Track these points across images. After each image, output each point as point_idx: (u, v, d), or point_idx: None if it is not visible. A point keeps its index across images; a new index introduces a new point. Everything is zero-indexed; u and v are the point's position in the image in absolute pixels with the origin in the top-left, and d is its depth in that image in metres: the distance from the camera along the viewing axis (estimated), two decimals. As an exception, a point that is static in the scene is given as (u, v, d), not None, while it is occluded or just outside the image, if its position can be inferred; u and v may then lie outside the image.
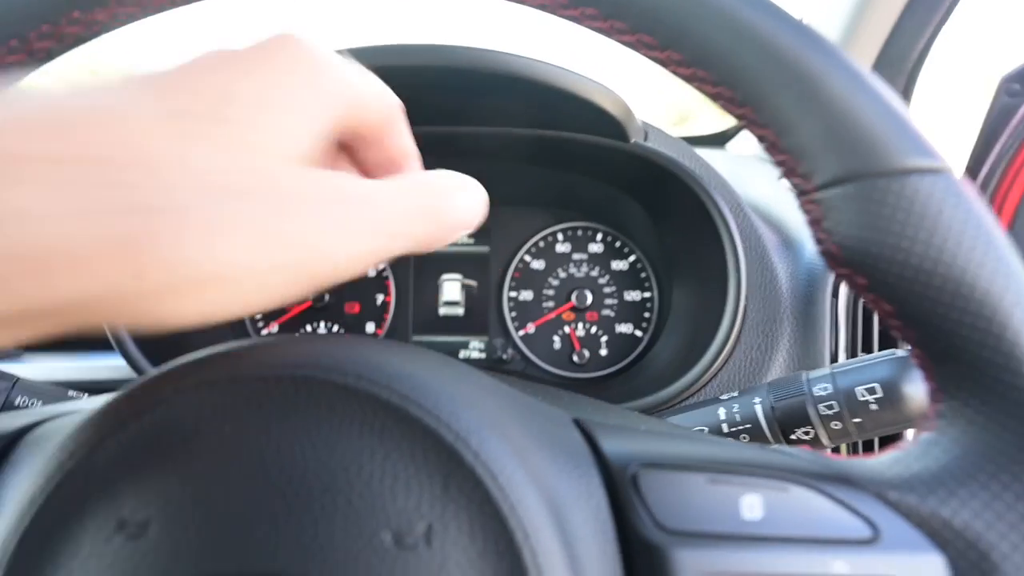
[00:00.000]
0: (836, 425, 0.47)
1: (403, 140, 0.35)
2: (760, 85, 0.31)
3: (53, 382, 0.75)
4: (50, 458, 0.27)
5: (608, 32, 0.33)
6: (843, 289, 0.68)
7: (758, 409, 0.50)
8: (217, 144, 0.22)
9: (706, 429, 0.51)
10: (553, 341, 0.91)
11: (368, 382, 0.29)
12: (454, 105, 0.68)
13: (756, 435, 0.50)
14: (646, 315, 0.91)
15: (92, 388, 0.77)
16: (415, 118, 0.70)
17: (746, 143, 1.43)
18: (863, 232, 0.30)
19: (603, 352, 0.90)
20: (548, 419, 0.35)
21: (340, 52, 0.31)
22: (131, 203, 0.20)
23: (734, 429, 0.50)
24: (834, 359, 0.67)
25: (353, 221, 0.26)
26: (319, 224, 0.24)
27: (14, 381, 0.49)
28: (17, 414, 0.35)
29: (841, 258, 0.31)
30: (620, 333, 0.91)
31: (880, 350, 0.68)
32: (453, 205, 0.33)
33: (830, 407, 0.47)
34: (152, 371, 0.30)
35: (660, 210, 0.81)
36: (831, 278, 0.68)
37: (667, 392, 0.67)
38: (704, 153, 0.76)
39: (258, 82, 0.24)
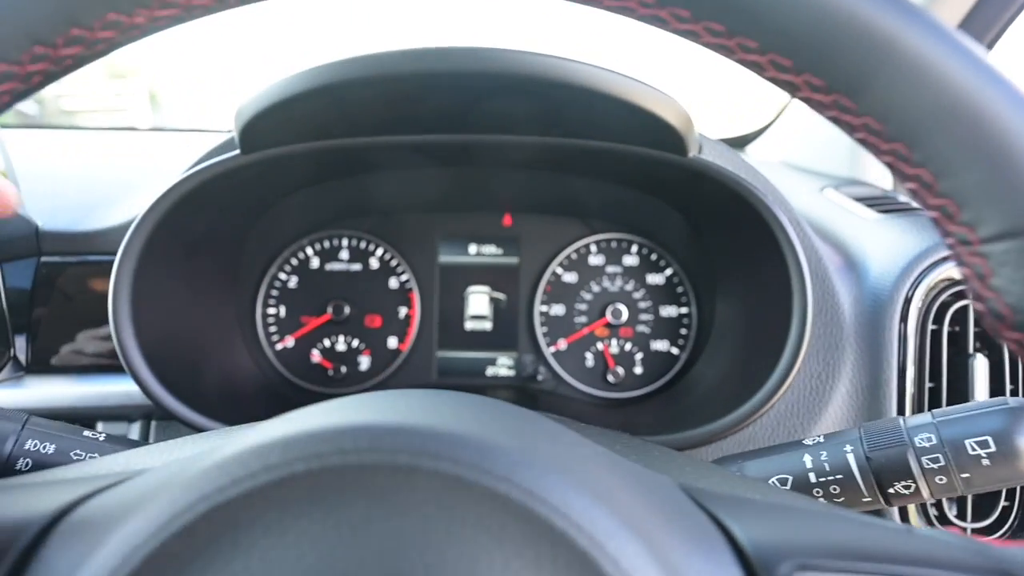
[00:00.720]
0: (941, 479, 0.43)
1: None
2: (918, 119, 0.26)
3: (61, 409, 0.70)
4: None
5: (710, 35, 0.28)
6: (912, 314, 0.63)
7: (851, 458, 0.45)
8: None
9: (790, 478, 0.47)
10: (586, 358, 0.87)
11: (484, 473, 0.24)
12: (490, 111, 0.63)
13: (848, 487, 0.45)
14: (683, 332, 0.86)
15: (103, 415, 0.72)
16: (448, 125, 0.66)
17: (768, 148, 1.39)
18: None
19: (638, 370, 0.86)
20: (666, 496, 0.30)
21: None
22: None
23: (823, 479, 0.46)
24: (901, 391, 0.63)
25: None
26: None
27: (24, 421, 0.44)
28: (41, 489, 0.29)
29: (1012, 321, 0.27)
30: (656, 351, 0.86)
31: (949, 379, 0.65)
32: None
33: (935, 460, 0.43)
34: (219, 448, 0.25)
35: (708, 223, 0.77)
36: (899, 302, 0.64)
37: (722, 423, 0.63)
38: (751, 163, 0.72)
39: None
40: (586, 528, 0.24)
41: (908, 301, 0.63)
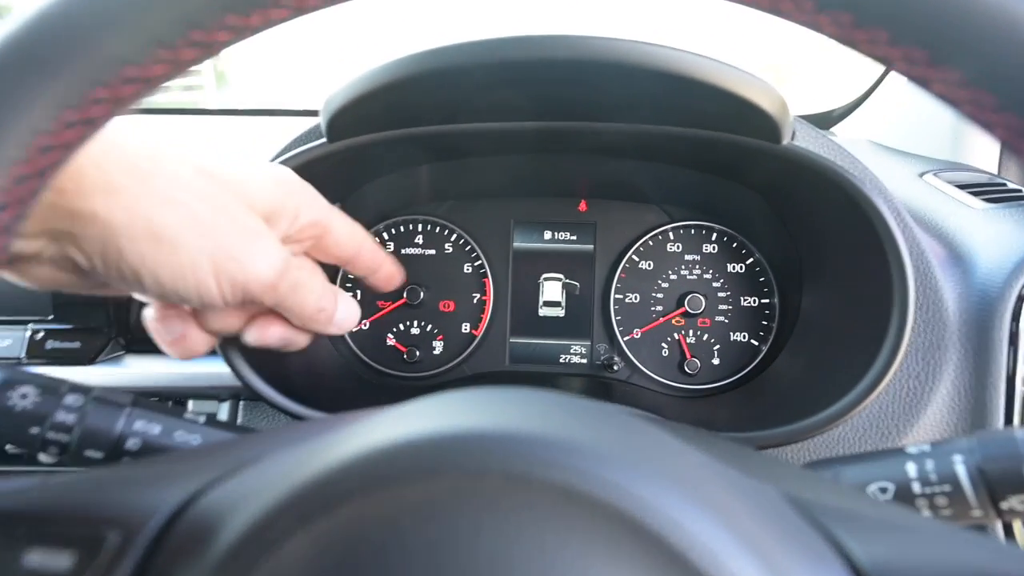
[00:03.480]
0: (1063, 497, 0.40)
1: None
2: None
3: (157, 387, 0.74)
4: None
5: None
6: (1025, 314, 0.59)
7: (960, 469, 0.43)
8: None
9: (892, 487, 0.44)
10: (662, 348, 0.85)
11: (596, 482, 0.24)
12: (581, 100, 0.61)
13: (957, 499, 0.43)
14: (764, 323, 0.83)
15: (194, 395, 0.75)
16: (537, 113, 0.65)
17: (856, 127, 1.32)
18: None
19: (715, 362, 0.84)
20: (776, 510, 0.29)
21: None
22: None
23: (928, 490, 0.43)
24: (1010, 396, 0.59)
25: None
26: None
27: (132, 401, 0.46)
28: (156, 484, 0.31)
29: None
30: (735, 342, 0.84)
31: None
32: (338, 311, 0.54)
33: (1057, 476, 0.40)
34: (333, 456, 0.26)
35: (796, 211, 0.73)
36: (1011, 300, 0.59)
37: (809, 423, 0.60)
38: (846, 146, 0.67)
39: None
40: (704, 545, 0.23)
41: (1021, 299, 0.59)
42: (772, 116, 0.55)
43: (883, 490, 0.45)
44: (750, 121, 0.57)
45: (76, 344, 0.72)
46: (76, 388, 0.44)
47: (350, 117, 0.61)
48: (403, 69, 0.55)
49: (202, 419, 0.49)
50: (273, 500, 0.25)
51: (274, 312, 0.51)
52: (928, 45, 0.25)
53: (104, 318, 0.74)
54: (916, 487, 0.44)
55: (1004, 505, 0.42)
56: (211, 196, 0.45)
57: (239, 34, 0.28)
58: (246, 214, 0.47)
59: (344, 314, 0.54)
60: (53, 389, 0.43)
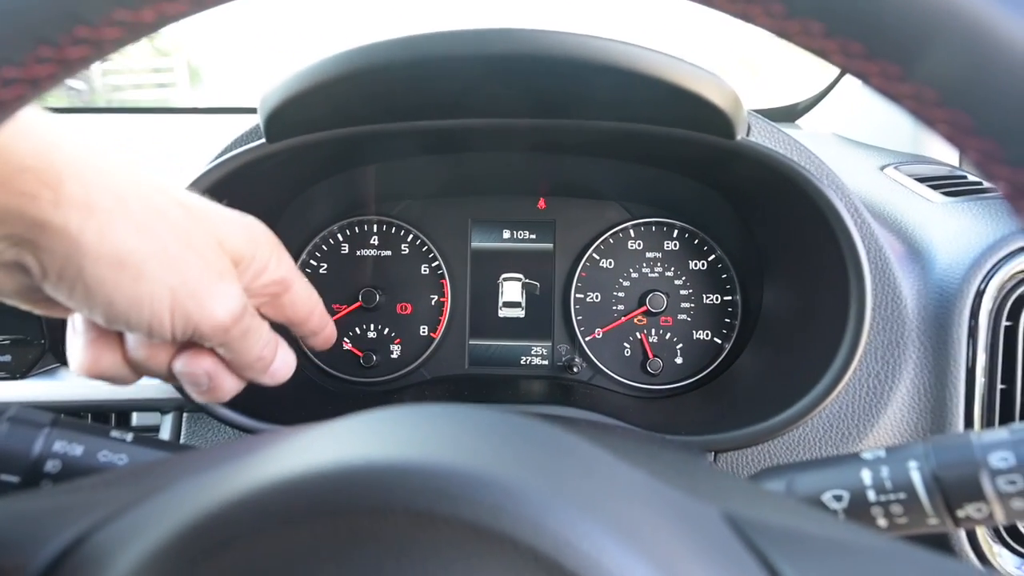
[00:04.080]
0: (1018, 504, 0.39)
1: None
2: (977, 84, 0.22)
3: (95, 401, 0.70)
4: None
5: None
6: (984, 309, 0.58)
7: (916, 476, 0.41)
8: None
9: (847, 495, 0.43)
10: (624, 348, 0.83)
11: (511, 519, 0.21)
12: (531, 96, 0.59)
13: (913, 508, 0.41)
14: (727, 320, 0.82)
15: (137, 407, 0.72)
16: (481, 109, 0.62)
17: (821, 119, 1.31)
18: None
19: (678, 360, 0.82)
20: (713, 536, 0.27)
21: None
22: None
23: (884, 497, 0.42)
24: (970, 394, 0.58)
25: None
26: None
27: (53, 421, 0.43)
28: (46, 521, 0.28)
29: None
30: (698, 340, 0.82)
31: (1024, 381, 0.59)
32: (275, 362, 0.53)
33: (1012, 482, 0.39)
34: (228, 489, 0.23)
35: (756, 208, 0.72)
36: (969, 296, 0.58)
37: (769, 425, 0.59)
38: (798, 137, 0.66)
39: None
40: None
41: (980, 295, 0.58)
42: (723, 111, 0.53)
43: (838, 498, 0.43)
44: (703, 117, 0.55)
45: (7, 357, 0.68)
46: None
47: (288, 116, 0.58)
48: (339, 65, 0.52)
49: (129, 437, 0.46)
50: (160, 541, 0.22)
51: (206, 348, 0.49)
52: (864, 38, 0.23)
53: (37, 329, 0.70)
54: (871, 495, 0.42)
55: (960, 513, 0.41)
56: (185, 230, 0.44)
57: (132, 31, 0.25)
58: (216, 254, 0.46)
59: (280, 364, 0.53)
60: None
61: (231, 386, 0.52)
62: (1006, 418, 0.57)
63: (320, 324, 0.59)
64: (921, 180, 0.75)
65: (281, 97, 0.56)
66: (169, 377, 0.50)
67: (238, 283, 0.47)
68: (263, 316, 0.53)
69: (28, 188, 0.37)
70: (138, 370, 0.49)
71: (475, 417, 0.28)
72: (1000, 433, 0.40)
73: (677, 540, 0.25)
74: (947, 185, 0.73)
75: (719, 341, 0.82)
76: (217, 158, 0.63)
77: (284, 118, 0.58)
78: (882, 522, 0.42)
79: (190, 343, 0.48)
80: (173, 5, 0.25)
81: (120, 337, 0.48)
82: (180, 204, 0.44)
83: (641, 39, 0.51)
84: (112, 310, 0.42)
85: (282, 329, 0.54)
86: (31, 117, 0.37)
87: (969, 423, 0.59)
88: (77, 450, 0.44)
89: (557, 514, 0.22)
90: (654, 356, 0.82)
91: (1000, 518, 0.40)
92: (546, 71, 0.51)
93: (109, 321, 0.43)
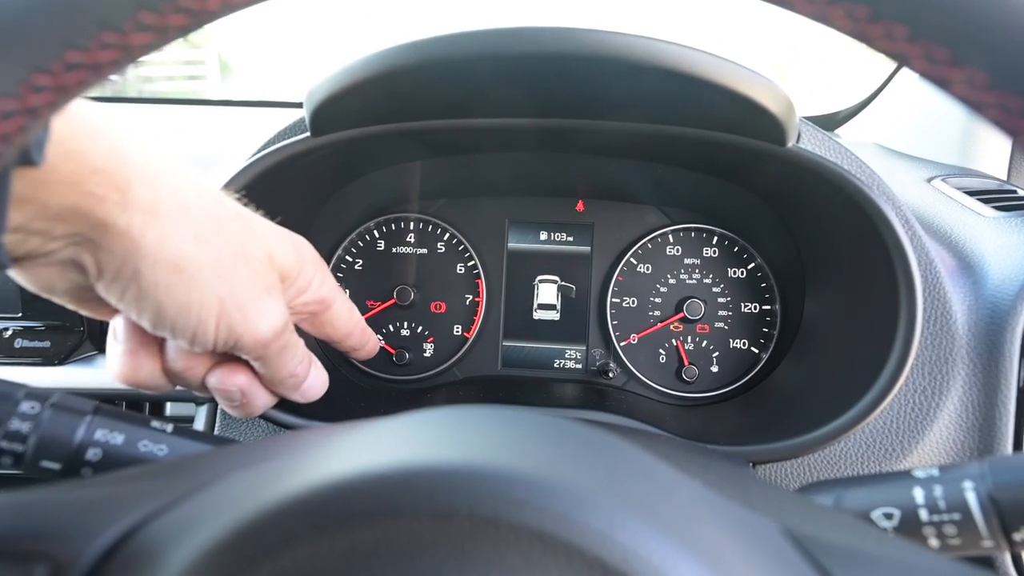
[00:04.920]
0: (1081, 529, 0.38)
1: None
2: None
3: (129, 391, 0.71)
4: None
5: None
6: (1038, 328, 0.56)
7: (971, 497, 0.40)
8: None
9: (898, 513, 0.42)
10: (659, 354, 0.82)
11: (574, 527, 0.21)
12: (575, 94, 0.58)
13: (967, 529, 0.40)
14: (765, 330, 0.81)
15: (171, 397, 0.73)
16: (532, 109, 0.62)
17: (861, 129, 1.29)
18: None
19: (714, 369, 0.81)
20: (775, 549, 0.27)
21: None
22: None
23: (936, 517, 0.41)
24: (1020, 414, 0.56)
25: None
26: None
27: (94, 409, 0.44)
28: (97, 511, 0.28)
29: None
30: (735, 349, 0.81)
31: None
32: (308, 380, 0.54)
33: (1074, 506, 0.37)
34: (285, 488, 0.23)
35: (801, 216, 0.70)
36: (1022, 314, 0.57)
37: (811, 437, 0.58)
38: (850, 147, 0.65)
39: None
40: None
41: (1034, 312, 0.56)
42: (778, 117, 0.53)
43: (888, 516, 0.42)
44: (755, 122, 0.54)
45: (46, 343, 0.70)
46: (33, 394, 0.42)
47: (334, 110, 0.58)
48: (390, 60, 0.52)
49: (169, 428, 0.46)
50: (216, 537, 0.22)
51: (241, 360, 0.49)
52: (951, 43, 0.23)
53: (76, 316, 0.72)
54: (923, 514, 0.41)
55: (1017, 536, 0.39)
56: (240, 243, 0.45)
57: (195, 18, 0.25)
58: (266, 268, 0.47)
59: (312, 382, 0.54)
60: (7, 395, 0.41)
61: (263, 401, 0.53)
62: (1058, 440, 0.56)
63: (360, 342, 0.60)
64: (970, 193, 0.73)
65: (329, 91, 0.56)
66: (202, 389, 0.51)
67: (283, 299, 0.49)
68: (301, 332, 0.54)
69: (97, 189, 0.37)
70: (174, 380, 0.50)
71: (537, 422, 0.28)
72: (1063, 456, 0.39)
73: (742, 553, 0.24)
74: (997, 199, 0.71)
75: (756, 351, 0.81)
76: (261, 150, 0.64)
77: (330, 112, 0.59)
78: (934, 542, 0.41)
79: (226, 357, 0.49)
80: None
81: (160, 347, 0.49)
82: (239, 216, 0.46)
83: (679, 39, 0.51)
84: (160, 314, 0.43)
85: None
86: (103, 118, 0.38)
87: (1018, 444, 0.57)
88: (118, 439, 0.44)
89: (625, 524, 0.21)
90: (690, 363, 0.81)
91: (1060, 543, 0.39)
92: (591, 73, 0.51)
93: (155, 325, 0.44)
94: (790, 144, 0.57)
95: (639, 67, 0.50)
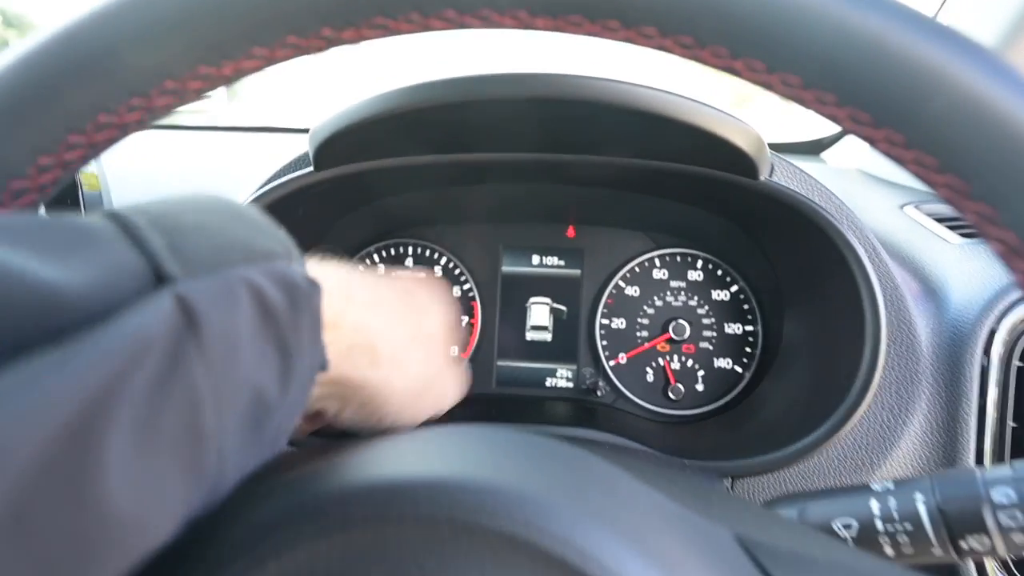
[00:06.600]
0: (1019, 538, 0.41)
1: None
2: (972, 152, 0.25)
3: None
4: None
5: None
6: (996, 349, 0.60)
7: (922, 508, 0.44)
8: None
9: (856, 523, 0.45)
10: (646, 373, 0.86)
11: (545, 535, 0.25)
12: (564, 134, 0.63)
13: (918, 538, 0.43)
14: (747, 350, 0.84)
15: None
16: (521, 145, 0.66)
17: (845, 154, 1.33)
18: None
19: (699, 387, 0.85)
20: (726, 556, 0.30)
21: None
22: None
23: (891, 527, 0.44)
24: (981, 431, 0.60)
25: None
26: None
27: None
28: None
29: None
30: (719, 368, 0.85)
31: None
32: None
33: (1012, 517, 0.41)
34: (270, 498, 0.27)
35: (775, 242, 0.74)
36: (982, 335, 0.60)
37: (783, 453, 0.62)
38: (810, 170, 0.68)
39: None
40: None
41: (992, 334, 0.60)
42: (748, 154, 0.57)
43: (847, 526, 0.46)
44: (729, 158, 0.58)
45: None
46: None
47: (338, 146, 0.62)
48: (389, 103, 0.56)
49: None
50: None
51: None
52: (871, 108, 0.26)
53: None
54: (879, 524, 0.45)
55: (963, 544, 0.43)
56: (440, 346, 0.49)
57: (212, 83, 0.29)
58: (455, 356, 0.52)
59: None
60: None
61: None
62: (1017, 456, 0.59)
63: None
64: (940, 220, 0.77)
65: (332, 129, 0.60)
66: None
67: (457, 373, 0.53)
68: None
69: (352, 359, 0.40)
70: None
71: (515, 440, 0.32)
72: (1003, 470, 0.43)
73: (693, 557, 0.28)
74: (965, 226, 0.75)
75: (739, 370, 0.84)
76: (264, 185, 0.68)
77: (332, 148, 0.63)
78: (889, 551, 0.45)
79: None
80: (250, 62, 0.29)
81: None
82: (428, 315, 0.49)
83: (671, 78, 0.55)
84: (392, 424, 0.46)
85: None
86: (345, 292, 0.41)
87: (980, 460, 0.60)
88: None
89: (585, 530, 0.25)
90: (676, 382, 0.84)
91: (1001, 551, 0.42)
92: (579, 114, 0.55)
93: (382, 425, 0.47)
94: (762, 177, 0.61)
95: (622, 110, 0.54)
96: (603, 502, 0.28)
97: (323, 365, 0.34)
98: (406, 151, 0.66)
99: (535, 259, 0.90)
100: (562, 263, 0.89)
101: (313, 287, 0.32)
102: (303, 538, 0.25)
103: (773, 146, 0.64)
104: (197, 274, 0.25)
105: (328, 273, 0.38)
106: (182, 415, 0.23)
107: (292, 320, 0.29)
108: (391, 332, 0.44)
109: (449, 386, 0.50)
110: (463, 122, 0.60)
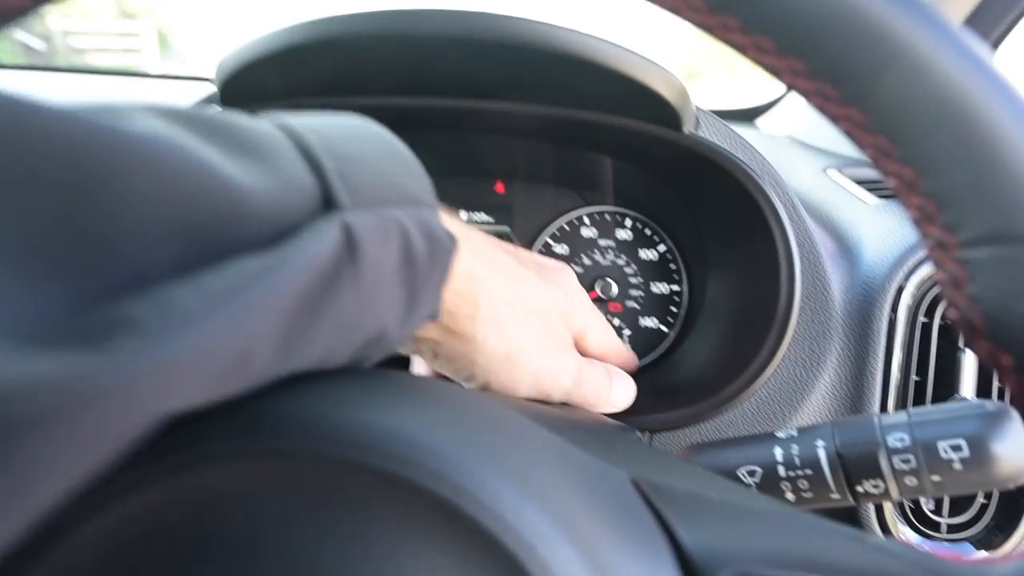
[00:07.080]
0: (911, 481, 0.42)
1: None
2: (904, 113, 0.24)
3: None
4: None
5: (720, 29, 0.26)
6: (903, 305, 0.62)
7: (821, 454, 0.45)
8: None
9: (760, 470, 0.46)
10: (573, 332, 0.85)
11: (413, 467, 0.23)
12: (483, 77, 0.60)
13: (817, 482, 0.44)
14: (673, 309, 0.85)
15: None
16: (438, 88, 0.63)
17: (777, 121, 1.35)
18: (1020, 304, 0.24)
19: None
20: (614, 493, 0.29)
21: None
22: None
23: (792, 473, 0.45)
24: (886, 383, 0.62)
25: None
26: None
27: None
28: None
29: (984, 331, 0.25)
30: (645, 327, 0.85)
31: (937, 373, 0.63)
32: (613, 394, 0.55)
33: (906, 461, 0.42)
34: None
35: (700, 200, 0.74)
36: (890, 292, 0.62)
37: (700, 407, 0.63)
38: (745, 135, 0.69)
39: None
40: (516, 529, 0.23)
41: (900, 291, 0.62)
42: (671, 103, 0.56)
43: (751, 473, 0.46)
44: (651, 108, 0.57)
45: None
46: None
47: (244, 84, 0.58)
48: (295, 35, 0.53)
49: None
50: None
51: None
52: (775, 35, 0.25)
53: None
54: (781, 471, 0.46)
55: (859, 488, 0.44)
56: (545, 314, 0.48)
57: None
58: (562, 329, 0.50)
59: (619, 394, 0.56)
60: None
61: None
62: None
63: (616, 359, 0.60)
64: (859, 182, 0.78)
65: (236, 64, 0.56)
66: None
67: (575, 349, 0.52)
68: None
69: (455, 308, 0.40)
70: None
71: (405, 382, 0.30)
72: (899, 416, 0.44)
73: (579, 495, 0.27)
74: (882, 188, 0.77)
75: (665, 329, 0.85)
76: None
77: (238, 86, 0.59)
78: (790, 496, 0.46)
79: None
80: None
81: None
82: (537, 284, 0.48)
83: (620, 37, 0.54)
84: (483, 387, 0.46)
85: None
86: (469, 243, 0.41)
87: (884, 411, 0.62)
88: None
89: (461, 465, 0.24)
90: (601, 341, 0.84)
91: (895, 494, 0.43)
92: (493, 55, 0.53)
93: (472, 385, 0.47)
94: (686, 130, 0.60)
95: (541, 51, 0.52)
96: (487, 439, 0.26)
97: (435, 314, 0.36)
98: (315, 91, 0.62)
99: (463, 215, 0.87)
100: (491, 219, 0.87)
101: (451, 242, 0.34)
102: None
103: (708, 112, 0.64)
104: (361, 206, 0.27)
105: (456, 224, 0.40)
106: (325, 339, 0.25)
107: (427, 270, 0.31)
108: (498, 290, 0.44)
109: (563, 378, 0.49)
110: (372, 62, 0.57)
